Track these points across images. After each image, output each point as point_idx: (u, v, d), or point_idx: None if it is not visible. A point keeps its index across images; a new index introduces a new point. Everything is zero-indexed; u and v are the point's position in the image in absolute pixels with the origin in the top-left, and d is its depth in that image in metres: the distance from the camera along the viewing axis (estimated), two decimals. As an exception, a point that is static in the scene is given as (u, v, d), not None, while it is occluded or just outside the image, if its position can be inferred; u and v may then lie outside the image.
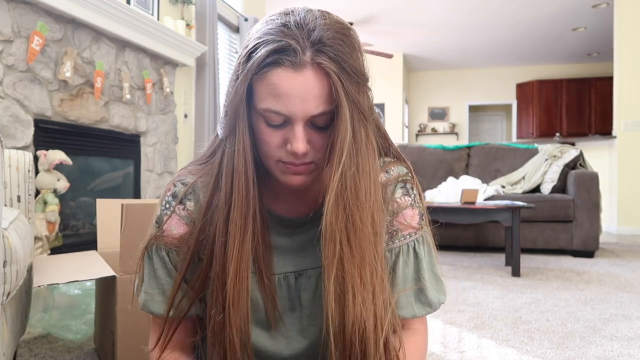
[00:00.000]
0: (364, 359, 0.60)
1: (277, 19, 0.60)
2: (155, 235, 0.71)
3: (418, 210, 0.72)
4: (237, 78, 0.60)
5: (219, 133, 0.68)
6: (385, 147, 0.73)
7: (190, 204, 0.70)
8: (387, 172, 0.71)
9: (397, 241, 0.70)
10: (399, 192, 0.71)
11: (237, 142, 0.62)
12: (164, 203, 0.71)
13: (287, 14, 0.60)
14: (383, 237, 0.65)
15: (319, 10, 0.61)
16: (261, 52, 0.57)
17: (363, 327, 0.59)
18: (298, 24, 0.58)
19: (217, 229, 0.64)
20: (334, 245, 0.59)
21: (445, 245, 3.72)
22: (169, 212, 0.70)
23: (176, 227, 0.70)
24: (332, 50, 0.57)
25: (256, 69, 0.58)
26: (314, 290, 0.70)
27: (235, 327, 0.62)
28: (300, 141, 0.59)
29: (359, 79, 0.60)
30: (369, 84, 0.63)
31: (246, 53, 0.60)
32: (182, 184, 0.71)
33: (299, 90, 0.57)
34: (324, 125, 0.60)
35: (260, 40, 0.58)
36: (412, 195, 0.72)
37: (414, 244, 0.71)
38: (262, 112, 0.60)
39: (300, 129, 0.59)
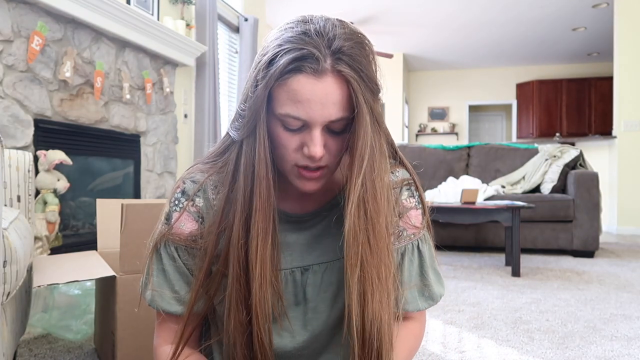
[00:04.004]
0: (380, 352, 0.63)
1: (296, 27, 0.61)
2: (165, 232, 0.72)
3: (421, 211, 0.75)
4: (257, 84, 0.62)
5: (232, 135, 0.69)
6: (392, 152, 0.75)
7: (199, 201, 0.72)
8: (392, 173, 0.74)
9: (402, 241, 0.73)
10: (405, 194, 0.74)
11: (258, 146, 0.64)
12: (173, 200, 0.72)
13: (305, 22, 0.62)
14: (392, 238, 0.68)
15: (336, 19, 0.63)
16: (283, 59, 0.59)
17: (379, 323, 0.62)
18: (318, 32, 0.60)
19: (235, 230, 0.65)
20: (356, 247, 0.62)
21: (445, 245, 3.72)
22: (178, 209, 0.72)
23: (185, 224, 0.71)
24: (351, 59, 0.59)
25: (278, 75, 0.59)
26: (319, 285, 0.72)
27: (262, 327, 0.65)
28: (317, 145, 0.61)
29: (374, 88, 0.62)
30: (380, 94, 0.65)
31: (267, 60, 0.61)
32: (192, 181, 0.72)
33: (320, 96, 0.59)
34: (340, 130, 0.63)
35: (281, 48, 0.60)
36: (416, 197, 0.75)
37: (418, 243, 0.74)
38: (281, 117, 0.61)
39: (318, 133, 0.61)
